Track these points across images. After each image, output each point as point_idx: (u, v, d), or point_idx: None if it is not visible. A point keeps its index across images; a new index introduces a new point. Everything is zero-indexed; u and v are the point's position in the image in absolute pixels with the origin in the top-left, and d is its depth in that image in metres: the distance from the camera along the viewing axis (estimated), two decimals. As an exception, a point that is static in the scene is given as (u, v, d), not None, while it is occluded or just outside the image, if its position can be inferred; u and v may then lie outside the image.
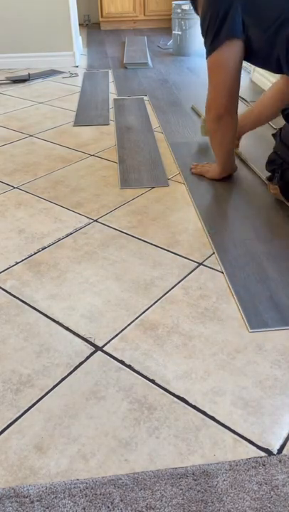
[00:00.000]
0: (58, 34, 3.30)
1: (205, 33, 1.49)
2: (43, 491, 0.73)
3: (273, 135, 1.58)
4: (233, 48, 1.45)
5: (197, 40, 2.81)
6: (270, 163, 1.57)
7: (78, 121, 2.31)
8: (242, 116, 1.79)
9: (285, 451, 0.79)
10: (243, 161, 1.84)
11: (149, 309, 1.10)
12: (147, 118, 2.33)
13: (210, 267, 1.24)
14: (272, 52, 1.43)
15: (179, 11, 3.54)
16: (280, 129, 1.53)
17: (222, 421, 0.84)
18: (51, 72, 3.24)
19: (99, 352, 0.99)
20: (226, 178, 1.70)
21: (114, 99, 2.63)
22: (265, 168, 1.60)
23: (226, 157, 1.69)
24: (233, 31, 1.42)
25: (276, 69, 1.49)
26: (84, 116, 2.38)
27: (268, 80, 2.71)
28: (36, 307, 1.12)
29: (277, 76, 1.81)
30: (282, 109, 1.50)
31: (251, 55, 1.49)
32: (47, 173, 1.78)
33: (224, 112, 1.55)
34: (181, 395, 0.89)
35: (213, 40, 1.46)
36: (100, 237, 1.38)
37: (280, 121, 1.98)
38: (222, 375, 0.93)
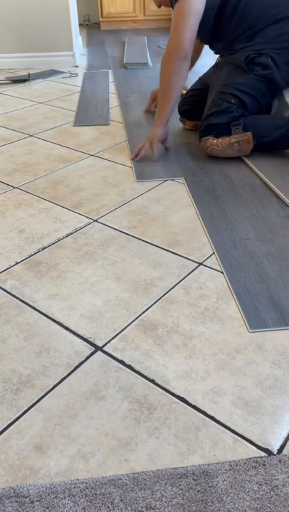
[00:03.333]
0: (58, 34, 3.30)
1: None
2: (43, 491, 0.73)
3: None
4: None
5: (197, 40, 2.83)
6: (225, 114, 1.77)
7: (78, 121, 2.31)
8: None
9: (285, 451, 0.79)
10: (242, 160, 1.84)
11: (149, 309, 1.10)
12: (153, 117, 2.33)
13: (210, 267, 1.24)
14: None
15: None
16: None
17: (222, 421, 0.84)
18: (51, 72, 3.24)
19: (99, 352, 0.99)
20: (225, 179, 1.70)
21: (118, 99, 2.63)
22: (208, 125, 1.79)
23: (174, 106, 1.83)
24: None
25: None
26: (84, 117, 2.38)
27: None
28: (36, 307, 1.12)
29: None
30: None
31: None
32: (47, 173, 1.78)
33: (189, 52, 1.72)
34: (181, 395, 0.89)
35: None
36: (99, 237, 1.38)
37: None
38: (222, 375, 0.93)
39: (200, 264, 1.26)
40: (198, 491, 0.73)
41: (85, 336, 1.03)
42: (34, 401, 0.89)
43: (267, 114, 1.89)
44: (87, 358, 0.98)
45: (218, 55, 2.03)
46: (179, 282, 1.19)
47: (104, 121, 2.30)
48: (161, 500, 0.72)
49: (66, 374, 0.94)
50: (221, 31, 1.85)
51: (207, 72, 2.08)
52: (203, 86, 2.03)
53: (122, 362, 0.96)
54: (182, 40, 1.70)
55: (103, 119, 2.34)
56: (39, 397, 0.89)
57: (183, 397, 0.89)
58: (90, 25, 5.17)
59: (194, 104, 2.03)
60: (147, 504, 0.71)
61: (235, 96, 1.78)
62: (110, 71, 3.25)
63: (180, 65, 1.73)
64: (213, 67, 2.01)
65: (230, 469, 0.76)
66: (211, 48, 1.99)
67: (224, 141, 1.78)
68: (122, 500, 0.72)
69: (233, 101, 1.78)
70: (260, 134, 1.76)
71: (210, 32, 1.85)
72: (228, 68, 1.86)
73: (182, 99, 2.12)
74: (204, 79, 2.07)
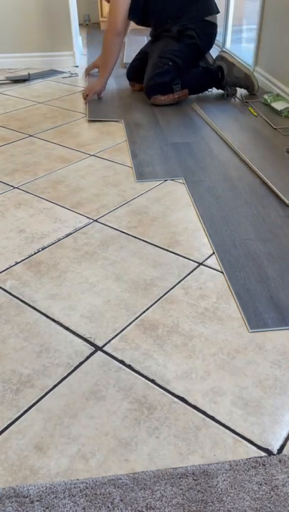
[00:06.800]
0: (58, 34, 3.29)
1: None
2: (43, 491, 0.73)
3: None
4: None
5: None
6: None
7: (92, 116, 2.36)
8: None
9: (285, 451, 0.79)
10: (242, 160, 1.84)
11: (149, 309, 1.10)
12: (153, 117, 2.33)
13: (210, 267, 1.24)
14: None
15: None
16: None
17: (222, 421, 0.84)
18: (51, 72, 3.24)
19: (99, 352, 0.99)
20: (225, 179, 1.70)
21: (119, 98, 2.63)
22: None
23: (111, 70, 2.51)
24: None
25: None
26: (97, 111, 2.42)
27: (267, 80, 2.71)
28: (36, 307, 1.12)
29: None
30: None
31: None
32: (47, 173, 1.78)
33: (122, 29, 2.42)
34: (181, 395, 0.89)
35: None
36: (99, 237, 1.38)
37: (280, 122, 2.07)
38: (222, 375, 0.93)
39: (200, 264, 1.26)
40: (198, 491, 0.73)
41: (85, 336, 1.03)
42: (34, 401, 0.89)
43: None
44: (87, 358, 0.98)
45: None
46: (179, 282, 1.19)
47: (117, 117, 2.35)
48: (161, 500, 0.72)
49: (66, 374, 0.94)
50: (149, 14, 2.48)
51: (147, 43, 2.72)
52: (144, 55, 2.61)
53: (122, 362, 0.96)
54: (115, 21, 2.39)
55: (116, 115, 2.37)
56: (39, 397, 0.89)
57: (183, 397, 0.89)
58: (90, 25, 5.17)
59: (139, 70, 2.59)
60: (147, 504, 0.71)
61: (172, 60, 2.41)
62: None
63: (114, 39, 2.42)
64: (151, 40, 2.64)
65: (230, 469, 0.76)
66: (142, 25, 2.63)
67: (169, 97, 2.46)
68: (122, 500, 0.72)
69: (170, 63, 2.41)
70: (193, 87, 2.55)
71: (139, 14, 2.48)
72: (164, 40, 2.49)
73: (129, 68, 2.75)
74: (145, 49, 2.68)
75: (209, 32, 2.49)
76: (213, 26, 2.50)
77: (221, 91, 2.66)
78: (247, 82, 2.55)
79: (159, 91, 2.45)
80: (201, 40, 2.45)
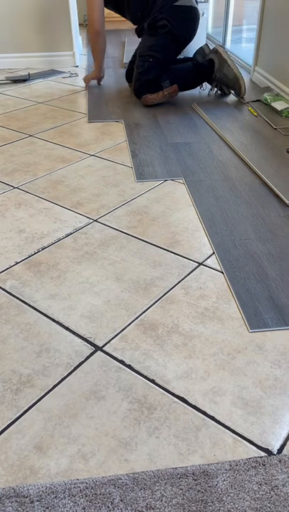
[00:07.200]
0: (58, 34, 3.29)
1: None
2: (43, 491, 0.73)
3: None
4: None
5: (197, 39, 2.83)
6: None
7: (92, 118, 2.36)
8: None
9: (285, 451, 0.79)
10: (242, 160, 1.84)
11: (149, 309, 1.10)
12: (153, 117, 2.33)
13: (210, 267, 1.24)
14: None
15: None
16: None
17: (222, 421, 0.84)
18: (51, 72, 3.24)
19: (99, 352, 0.99)
20: (225, 179, 1.70)
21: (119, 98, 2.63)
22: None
23: (102, 61, 2.72)
24: None
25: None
26: (97, 112, 2.43)
27: (267, 80, 2.71)
28: (36, 307, 1.12)
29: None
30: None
31: None
32: (47, 173, 1.78)
33: (101, 29, 2.54)
34: (181, 395, 0.89)
35: None
36: (99, 237, 1.38)
37: (280, 122, 2.09)
38: (222, 375, 0.93)
39: (200, 264, 1.26)
40: (198, 491, 0.73)
41: (85, 336, 1.03)
42: (34, 401, 0.89)
43: (179, 61, 2.61)
44: (87, 358, 0.98)
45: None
46: (179, 282, 1.19)
47: (118, 117, 2.34)
48: (161, 500, 0.72)
49: (66, 374, 0.94)
50: (122, 11, 2.58)
51: (138, 45, 2.65)
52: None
53: (122, 362, 0.96)
54: (92, 23, 2.52)
55: (117, 115, 2.37)
56: (39, 397, 0.89)
57: (183, 397, 0.89)
58: (90, 25, 5.16)
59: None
60: (147, 504, 0.71)
61: (150, 56, 2.44)
62: (110, 70, 3.25)
63: (95, 38, 2.58)
64: (140, 41, 2.64)
65: (230, 469, 0.76)
66: (121, 14, 2.69)
67: (159, 95, 2.45)
68: (122, 500, 0.72)
69: (150, 60, 2.44)
70: (183, 82, 2.54)
71: (115, 10, 2.60)
72: (142, 39, 2.55)
73: (127, 69, 2.79)
74: (137, 51, 2.67)
75: (183, 17, 2.42)
76: (187, 10, 2.42)
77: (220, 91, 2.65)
78: (234, 83, 2.53)
79: (146, 90, 2.45)
80: (176, 28, 2.40)
